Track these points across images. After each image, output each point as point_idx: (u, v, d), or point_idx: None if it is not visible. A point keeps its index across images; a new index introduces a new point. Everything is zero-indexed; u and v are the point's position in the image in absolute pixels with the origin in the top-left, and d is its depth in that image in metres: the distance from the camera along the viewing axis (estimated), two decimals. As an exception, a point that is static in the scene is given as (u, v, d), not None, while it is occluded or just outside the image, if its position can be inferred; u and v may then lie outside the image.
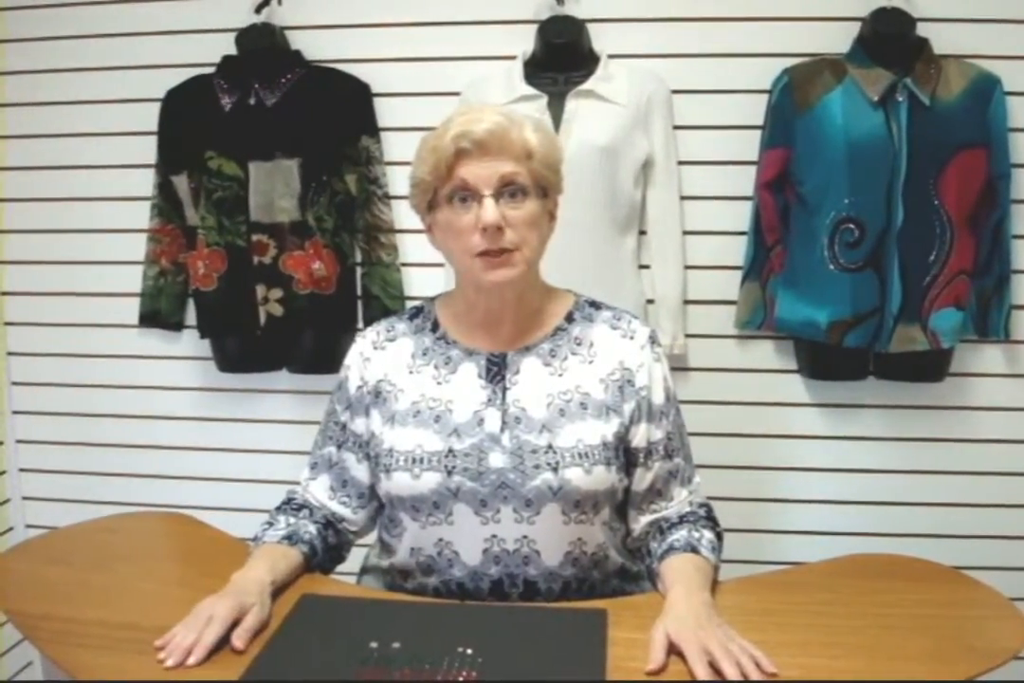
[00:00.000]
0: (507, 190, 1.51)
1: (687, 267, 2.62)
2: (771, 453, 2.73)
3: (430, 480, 1.55)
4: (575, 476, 1.53)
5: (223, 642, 1.31)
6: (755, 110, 2.53)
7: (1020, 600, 1.51)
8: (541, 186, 1.56)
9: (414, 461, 1.56)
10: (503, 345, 1.63)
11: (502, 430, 1.57)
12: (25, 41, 2.79)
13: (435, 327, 1.67)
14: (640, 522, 1.66)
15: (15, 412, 3.02)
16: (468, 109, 1.60)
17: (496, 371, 1.61)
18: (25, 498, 3.06)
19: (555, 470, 1.53)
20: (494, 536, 1.55)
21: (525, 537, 1.55)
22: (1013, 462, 2.65)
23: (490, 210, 1.48)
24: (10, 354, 2.99)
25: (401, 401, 1.61)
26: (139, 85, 2.72)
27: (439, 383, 1.61)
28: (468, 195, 1.51)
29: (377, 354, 1.67)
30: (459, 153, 1.50)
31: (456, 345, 1.64)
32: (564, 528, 1.56)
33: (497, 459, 1.55)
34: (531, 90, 2.47)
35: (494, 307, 1.61)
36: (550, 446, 1.55)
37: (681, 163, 2.58)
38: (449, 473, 1.54)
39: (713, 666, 1.25)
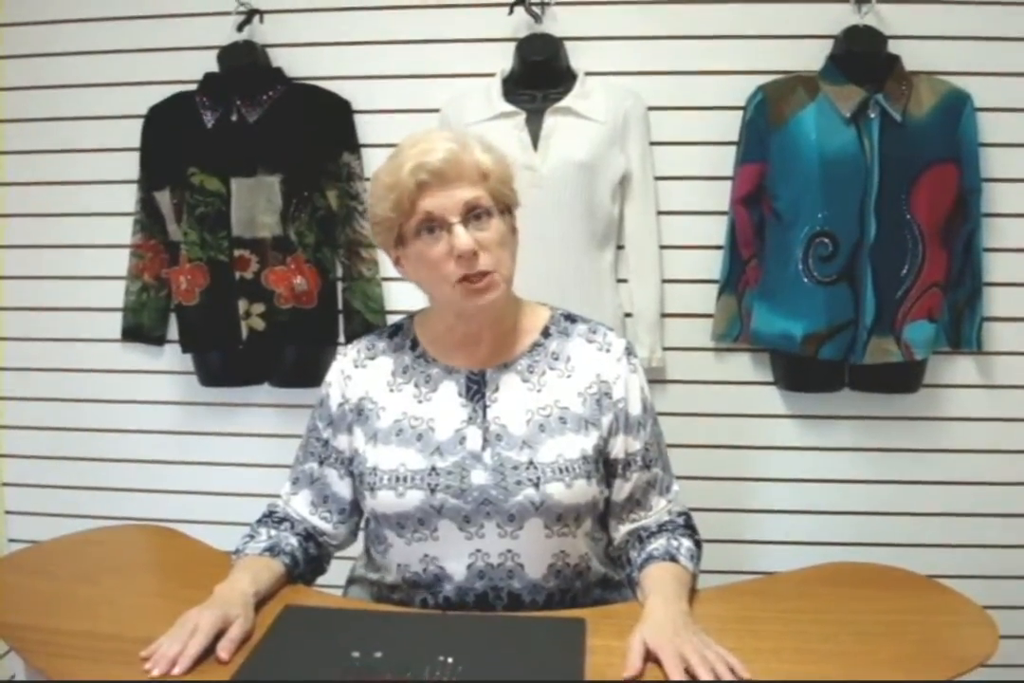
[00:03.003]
0: (473, 214, 1.52)
1: (664, 281, 2.65)
2: (748, 464, 2.75)
3: (414, 498, 1.56)
4: (556, 491, 1.54)
5: (208, 653, 1.32)
6: (730, 126, 2.56)
7: (992, 608, 1.53)
8: (502, 204, 1.58)
9: (398, 479, 1.57)
10: (482, 362, 1.64)
11: (483, 448, 1.58)
12: (6, 58, 2.80)
13: (414, 345, 1.68)
14: (620, 531, 1.68)
15: (-3, 426, 3.04)
16: (416, 140, 1.57)
17: (476, 389, 1.62)
18: (8, 512, 3.06)
19: (536, 486, 1.54)
20: (478, 551, 1.57)
21: (509, 551, 1.57)
22: (986, 472, 2.68)
23: (463, 237, 1.49)
24: (-9, 368, 3.01)
25: (383, 419, 1.63)
26: (122, 102, 2.74)
27: (420, 401, 1.63)
28: (435, 225, 1.51)
29: (358, 372, 1.68)
30: (419, 186, 1.50)
31: (435, 363, 1.65)
32: (547, 541, 1.57)
33: (479, 476, 1.56)
34: (509, 107, 2.49)
35: (473, 329, 1.62)
36: (531, 462, 1.56)
37: (658, 178, 2.61)
38: (432, 491, 1.56)
39: (689, 672, 1.27)
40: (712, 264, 2.65)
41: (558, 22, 2.57)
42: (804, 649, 1.37)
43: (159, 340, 2.87)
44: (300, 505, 1.71)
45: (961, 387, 2.68)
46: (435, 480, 1.56)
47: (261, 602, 1.50)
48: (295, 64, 2.67)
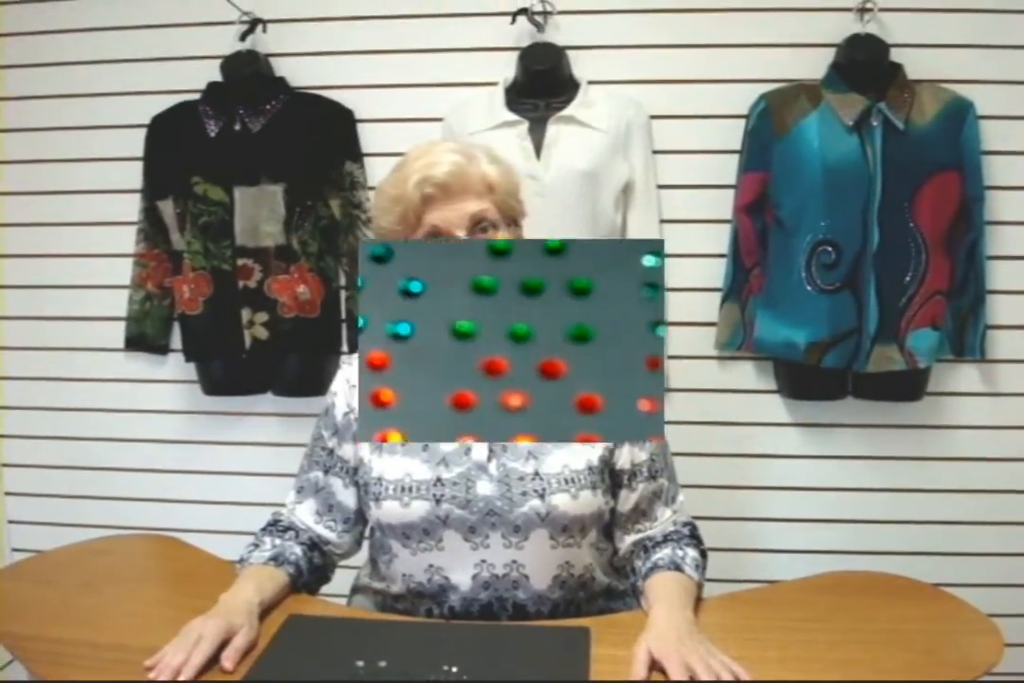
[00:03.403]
0: (479, 227, 1.53)
1: (667, 289, 2.64)
2: (751, 472, 2.75)
3: (419, 508, 1.56)
4: (562, 502, 1.54)
5: (212, 662, 1.32)
6: (733, 135, 2.56)
7: (997, 616, 1.52)
8: (508, 216, 1.58)
9: (403, 490, 1.57)
10: (486, 373, 1.64)
11: (489, 459, 1.58)
12: (9, 67, 2.81)
13: (418, 354, 1.69)
14: (625, 542, 1.68)
15: (0, 436, 3.03)
16: (422, 152, 1.58)
17: (481, 400, 1.62)
18: (11, 522, 3.06)
19: (542, 497, 1.54)
20: (483, 561, 1.57)
21: (514, 562, 1.56)
22: (990, 480, 2.67)
23: None
24: (-5, 378, 3.01)
25: (389, 429, 1.63)
26: (125, 111, 2.75)
27: (425, 411, 1.63)
28: (441, 239, 1.52)
29: (363, 381, 1.68)
30: (425, 199, 1.51)
31: (440, 372, 1.65)
32: (552, 552, 1.57)
33: (485, 487, 1.56)
34: (512, 116, 2.50)
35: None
36: (536, 473, 1.56)
37: (661, 187, 2.61)
38: (438, 501, 1.55)
39: (694, 681, 1.27)
40: (715, 272, 2.65)
41: (560, 31, 2.58)
42: (809, 658, 1.37)
43: (162, 349, 2.87)
44: (305, 514, 1.70)
45: (965, 395, 2.67)
46: (440, 491, 1.56)
47: (265, 611, 1.49)
48: (298, 73, 2.68)
